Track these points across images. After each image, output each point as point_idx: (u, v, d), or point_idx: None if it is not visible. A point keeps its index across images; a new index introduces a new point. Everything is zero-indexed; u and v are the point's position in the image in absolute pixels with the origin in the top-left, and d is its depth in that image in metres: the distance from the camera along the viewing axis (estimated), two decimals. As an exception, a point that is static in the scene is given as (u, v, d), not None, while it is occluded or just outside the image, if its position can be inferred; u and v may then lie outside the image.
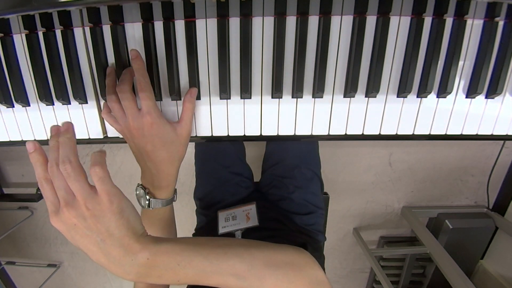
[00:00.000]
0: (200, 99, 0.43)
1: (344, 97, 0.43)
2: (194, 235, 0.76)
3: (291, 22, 0.39)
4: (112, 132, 0.46)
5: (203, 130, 0.45)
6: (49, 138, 0.38)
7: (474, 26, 0.40)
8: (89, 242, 0.30)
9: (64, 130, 0.34)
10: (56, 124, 0.42)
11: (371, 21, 0.39)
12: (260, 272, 0.33)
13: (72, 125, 0.35)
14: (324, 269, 0.53)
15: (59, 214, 0.30)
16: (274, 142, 0.77)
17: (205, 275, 0.32)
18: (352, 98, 0.43)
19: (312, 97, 0.43)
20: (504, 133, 0.45)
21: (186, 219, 1.16)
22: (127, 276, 0.31)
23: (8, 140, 0.48)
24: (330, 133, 0.44)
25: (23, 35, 0.42)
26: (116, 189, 0.31)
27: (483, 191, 1.49)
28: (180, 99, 0.43)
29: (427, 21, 0.39)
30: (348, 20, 0.39)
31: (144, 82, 0.38)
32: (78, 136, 0.46)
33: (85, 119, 0.45)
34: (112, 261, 0.30)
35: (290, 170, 0.72)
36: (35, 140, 0.34)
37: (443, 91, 0.42)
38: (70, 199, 0.30)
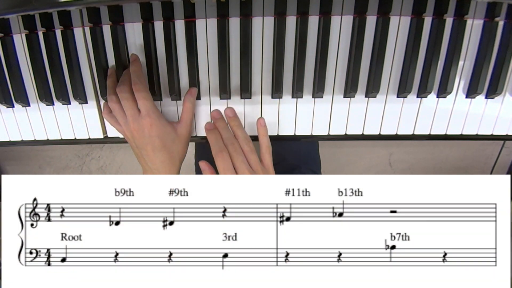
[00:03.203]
0: (200, 99, 0.44)
1: (344, 97, 0.43)
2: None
3: (291, 22, 0.39)
4: (112, 132, 0.46)
5: (203, 130, 0.45)
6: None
7: (474, 26, 0.40)
8: None
9: (233, 116, 0.44)
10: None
11: (371, 21, 0.39)
12: None
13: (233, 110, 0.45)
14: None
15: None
16: (274, 142, 0.76)
17: None
18: (352, 98, 0.43)
19: (312, 97, 0.43)
20: (504, 133, 0.45)
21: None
22: None
23: (8, 140, 0.48)
24: (330, 133, 0.44)
25: (23, 35, 0.42)
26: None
27: (483, 191, 1.49)
28: (180, 99, 0.43)
29: (427, 21, 0.39)
30: (348, 20, 0.39)
31: (139, 83, 0.39)
32: (78, 136, 0.47)
33: (85, 119, 0.45)
34: None
35: (290, 170, 0.72)
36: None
37: (443, 91, 0.42)
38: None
